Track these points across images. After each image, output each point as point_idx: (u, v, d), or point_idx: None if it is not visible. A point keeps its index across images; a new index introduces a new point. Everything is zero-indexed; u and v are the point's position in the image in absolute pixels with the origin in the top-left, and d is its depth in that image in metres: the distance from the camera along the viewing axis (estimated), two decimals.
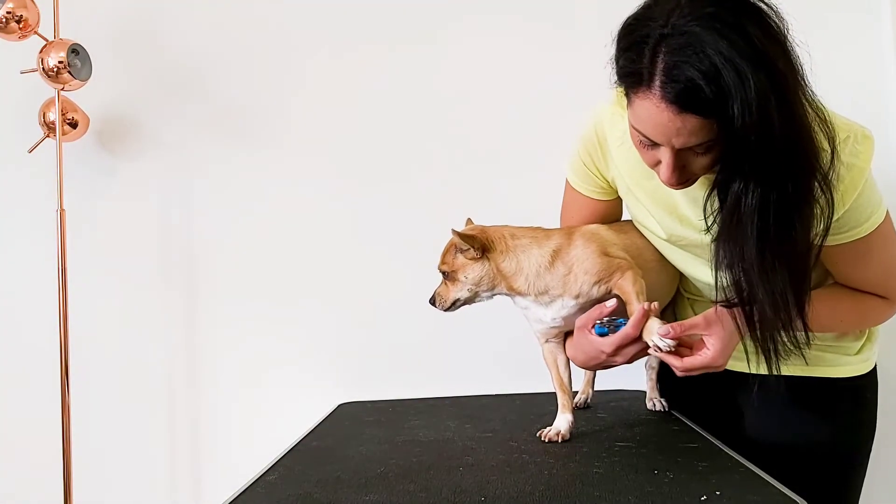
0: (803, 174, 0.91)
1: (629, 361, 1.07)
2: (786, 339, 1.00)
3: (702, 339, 1.01)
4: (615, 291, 1.09)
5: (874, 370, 1.23)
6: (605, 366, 1.10)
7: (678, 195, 1.12)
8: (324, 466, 1.07)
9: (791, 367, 1.17)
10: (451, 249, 1.13)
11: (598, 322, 1.06)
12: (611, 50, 0.96)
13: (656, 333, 0.99)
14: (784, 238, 0.93)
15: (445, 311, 1.15)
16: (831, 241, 1.00)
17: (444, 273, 1.14)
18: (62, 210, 1.74)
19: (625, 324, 1.03)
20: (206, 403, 1.90)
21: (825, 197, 0.93)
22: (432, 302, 1.15)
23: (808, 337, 1.02)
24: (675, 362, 1.00)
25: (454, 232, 1.10)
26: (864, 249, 1.05)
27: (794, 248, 0.94)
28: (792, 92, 0.89)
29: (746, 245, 0.93)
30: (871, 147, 1.02)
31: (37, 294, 1.86)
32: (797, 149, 0.90)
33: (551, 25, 1.85)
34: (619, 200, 1.26)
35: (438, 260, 1.15)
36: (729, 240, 0.95)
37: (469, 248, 1.11)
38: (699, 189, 1.05)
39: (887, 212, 1.06)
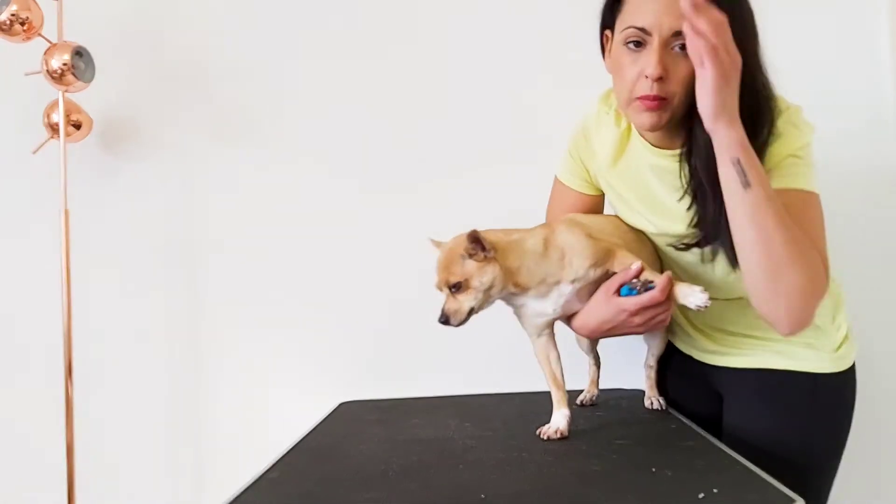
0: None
1: (644, 325, 1.10)
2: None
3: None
4: (615, 270, 1.12)
5: (853, 369, 1.24)
6: (617, 331, 1.12)
7: (649, 172, 1.18)
8: (325, 465, 1.08)
9: (769, 360, 1.21)
10: (455, 259, 1.08)
11: (629, 284, 1.08)
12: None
13: (697, 294, 1.04)
14: None
15: (458, 325, 1.09)
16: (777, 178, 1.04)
17: (453, 286, 1.08)
18: (66, 211, 1.75)
19: (653, 287, 1.07)
20: (208, 402, 1.91)
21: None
22: (445, 321, 1.08)
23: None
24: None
25: (472, 233, 1.06)
26: (801, 206, 1.05)
27: None
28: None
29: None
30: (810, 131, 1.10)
31: (41, 294, 1.87)
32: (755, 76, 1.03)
33: (550, 30, 1.86)
34: (601, 199, 1.34)
35: (438, 277, 1.10)
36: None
37: (480, 251, 1.07)
38: (671, 160, 1.14)
39: (818, 197, 1.08)
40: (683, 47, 1.00)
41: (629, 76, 1.07)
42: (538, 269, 1.11)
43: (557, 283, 1.12)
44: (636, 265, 1.09)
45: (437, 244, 1.14)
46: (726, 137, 0.96)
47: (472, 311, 1.09)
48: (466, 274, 1.08)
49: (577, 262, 1.11)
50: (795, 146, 1.06)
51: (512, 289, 1.11)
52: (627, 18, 1.06)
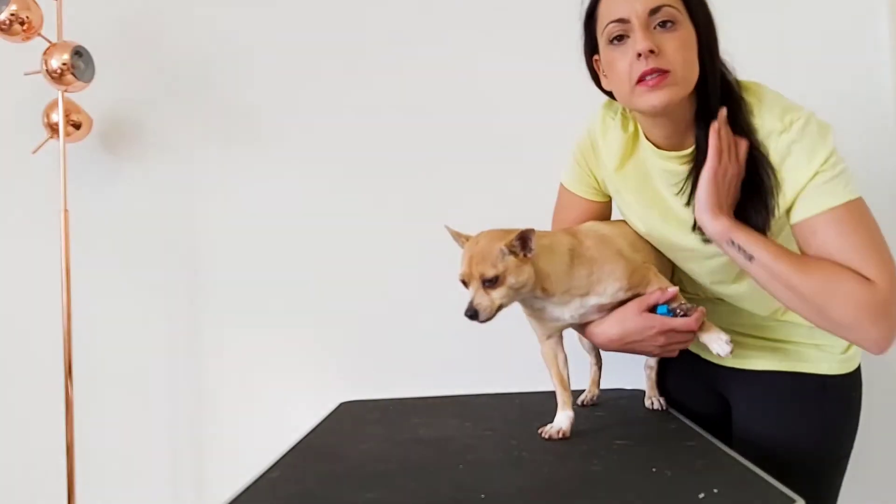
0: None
1: (662, 347, 1.12)
2: None
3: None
4: (645, 292, 1.13)
5: (859, 370, 1.24)
6: (636, 346, 1.13)
7: (657, 177, 1.17)
8: (325, 464, 1.09)
9: (778, 363, 1.21)
10: (493, 252, 1.04)
11: (667, 305, 1.11)
12: None
13: (722, 344, 1.09)
14: None
15: (485, 321, 1.05)
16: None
17: (488, 280, 1.04)
18: (66, 210, 1.75)
19: (689, 316, 1.10)
20: (209, 402, 1.91)
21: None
22: (473, 315, 1.04)
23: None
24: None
25: (529, 231, 1.04)
26: (837, 223, 1.03)
27: None
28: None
29: None
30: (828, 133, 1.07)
31: (40, 294, 1.87)
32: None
33: (551, 34, 1.86)
34: (609, 204, 1.33)
35: (469, 269, 1.05)
36: None
37: (521, 250, 1.05)
38: (678, 163, 1.13)
39: (854, 202, 1.04)
40: (663, 24, 1.04)
41: (623, 67, 1.06)
42: (566, 279, 1.10)
43: (583, 296, 1.11)
44: (673, 289, 1.12)
45: (458, 235, 1.12)
46: (713, 229, 1.06)
47: (500, 308, 1.06)
48: (504, 269, 1.04)
49: (610, 283, 1.11)
50: (815, 164, 1.02)
51: (538, 293, 1.10)
52: (604, 20, 1.08)
